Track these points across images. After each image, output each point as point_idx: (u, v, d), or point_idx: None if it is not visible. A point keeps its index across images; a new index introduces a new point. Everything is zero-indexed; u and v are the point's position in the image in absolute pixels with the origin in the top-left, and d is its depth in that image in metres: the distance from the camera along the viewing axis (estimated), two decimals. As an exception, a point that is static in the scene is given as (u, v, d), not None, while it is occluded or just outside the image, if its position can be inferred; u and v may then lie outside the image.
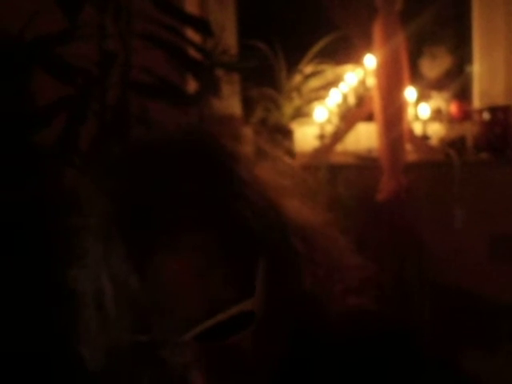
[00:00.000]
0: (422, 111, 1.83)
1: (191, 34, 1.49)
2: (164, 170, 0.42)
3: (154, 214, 0.40)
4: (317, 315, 0.48)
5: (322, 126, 1.86)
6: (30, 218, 1.16)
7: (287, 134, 1.80)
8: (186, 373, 0.41)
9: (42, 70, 1.22)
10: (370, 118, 1.80)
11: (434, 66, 1.94)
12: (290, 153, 1.75)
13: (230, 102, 1.68)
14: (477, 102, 1.91)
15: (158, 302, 0.40)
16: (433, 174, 1.74)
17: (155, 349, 0.40)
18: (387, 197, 1.63)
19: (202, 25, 1.36)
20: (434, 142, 1.86)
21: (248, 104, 1.86)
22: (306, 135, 1.90)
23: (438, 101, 1.92)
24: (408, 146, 1.72)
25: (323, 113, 1.87)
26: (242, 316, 0.41)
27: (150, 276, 0.39)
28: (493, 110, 1.79)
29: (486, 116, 1.79)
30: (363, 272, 0.51)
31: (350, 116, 1.89)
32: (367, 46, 1.78)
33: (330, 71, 1.99)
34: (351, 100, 1.94)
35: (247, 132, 0.49)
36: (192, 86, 1.51)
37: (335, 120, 1.92)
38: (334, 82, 1.97)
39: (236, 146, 0.45)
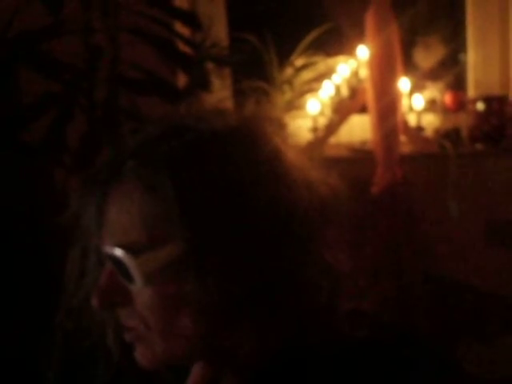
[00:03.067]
0: (416, 102, 1.81)
1: (180, 28, 1.47)
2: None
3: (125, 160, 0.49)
4: (314, 317, 0.46)
5: (314, 118, 1.84)
6: (21, 217, 1.14)
7: (281, 127, 1.78)
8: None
9: (27, 66, 1.19)
10: (363, 109, 1.78)
11: (427, 56, 1.92)
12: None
13: (220, 95, 1.65)
14: (471, 92, 1.90)
15: (99, 217, 0.49)
16: (428, 165, 1.73)
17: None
18: (382, 189, 1.62)
19: (191, 18, 1.33)
20: (428, 133, 1.85)
21: (239, 97, 1.84)
22: (299, 128, 1.88)
23: (432, 91, 1.91)
24: (402, 138, 1.71)
25: (316, 105, 1.85)
26: (126, 269, 0.46)
27: (102, 200, 0.49)
28: (488, 100, 1.78)
29: (481, 106, 1.78)
30: (360, 272, 0.50)
31: (343, 108, 1.87)
32: (359, 37, 1.76)
33: (322, 63, 1.97)
34: (344, 92, 1.92)
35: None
36: (182, 80, 1.49)
37: (328, 112, 1.90)
38: (326, 74, 1.95)
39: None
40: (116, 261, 0.46)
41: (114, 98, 1.21)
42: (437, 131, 1.84)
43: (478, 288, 1.65)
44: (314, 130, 1.83)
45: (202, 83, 1.24)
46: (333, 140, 1.84)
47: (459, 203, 1.66)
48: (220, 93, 1.59)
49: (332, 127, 1.83)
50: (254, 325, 0.45)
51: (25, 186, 1.19)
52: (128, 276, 0.46)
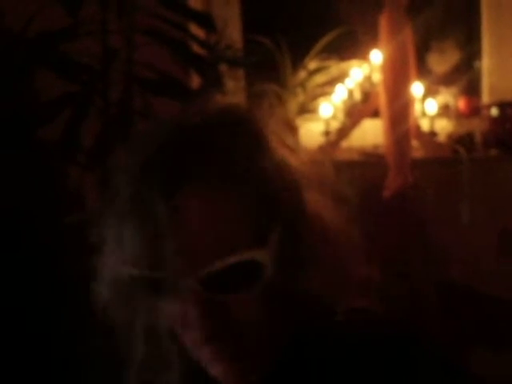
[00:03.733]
0: (429, 107, 1.80)
1: (195, 30, 1.48)
2: (200, 126, 0.45)
3: (186, 158, 0.43)
4: (319, 314, 0.47)
5: (327, 122, 1.84)
6: (34, 217, 1.15)
7: (292, 130, 1.78)
8: (185, 315, 0.42)
9: (45, 66, 1.21)
10: (375, 114, 1.78)
11: (442, 60, 1.91)
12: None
13: (234, 97, 1.66)
14: (486, 98, 1.89)
15: (176, 236, 0.41)
16: (440, 170, 1.72)
17: (163, 290, 0.42)
18: (393, 194, 1.61)
19: (206, 20, 1.34)
20: (441, 138, 1.84)
21: (252, 100, 1.84)
22: (311, 131, 1.89)
23: (445, 96, 1.90)
24: (415, 143, 1.70)
25: (329, 109, 1.85)
26: (250, 270, 0.41)
27: (172, 210, 0.41)
28: (502, 105, 1.76)
29: (495, 112, 1.77)
30: (369, 272, 0.50)
31: (356, 112, 1.87)
32: (373, 41, 1.76)
33: (335, 67, 1.97)
34: (357, 96, 1.92)
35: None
36: (195, 81, 1.50)
37: (341, 116, 1.90)
38: (339, 78, 1.95)
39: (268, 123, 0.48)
40: (224, 275, 0.41)
41: (128, 97, 1.22)
42: (450, 136, 1.83)
43: (490, 295, 1.63)
44: (327, 133, 1.83)
45: (215, 85, 1.25)
46: (345, 144, 1.84)
47: (472, 209, 1.65)
48: (233, 95, 1.60)
49: (344, 131, 1.83)
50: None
51: (40, 184, 1.21)
52: (247, 280, 0.42)
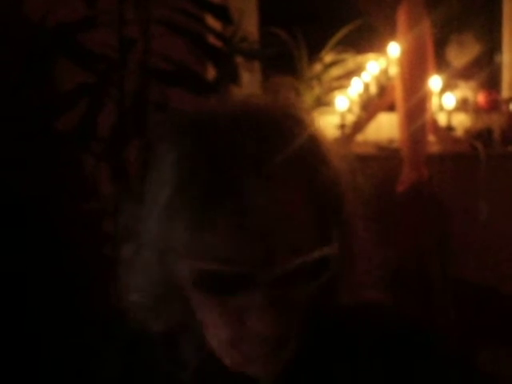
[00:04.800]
0: (447, 101, 1.78)
1: (211, 21, 1.47)
2: (263, 121, 0.44)
3: (258, 150, 0.41)
4: (332, 306, 0.47)
5: (342, 115, 1.83)
6: (49, 203, 1.17)
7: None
8: (241, 310, 0.41)
9: (63, 56, 1.22)
10: (391, 107, 1.76)
11: (461, 54, 1.88)
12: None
13: (250, 89, 1.66)
14: (505, 92, 1.86)
15: (250, 233, 0.40)
16: (457, 166, 1.70)
17: (233, 280, 0.40)
18: (408, 188, 1.60)
19: (222, 11, 1.34)
20: (459, 133, 1.81)
21: (268, 92, 1.83)
22: (327, 124, 1.88)
23: (464, 90, 1.87)
24: (432, 138, 1.68)
25: (344, 102, 1.84)
26: (318, 264, 0.42)
27: (242, 200, 0.40)
28: (522, 100, 1.73)
29: (514, 107, 1.74)
30: (384, 265, 0.50)
31: (372, 106, 1.85)
32: (391, 34, 1.74)
33: (351, 60, 1.95)
34: (373, 89, 1.90)
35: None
36: (211, 73, 1.50)
37: (356, 109, 1.89)
38: (355, 71, 1.93)
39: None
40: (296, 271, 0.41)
41: (144, 88, 1.23)
42: (468, 131, 1.81)
43: (507, 292, 1.61)
44: (342, 126, 1.82)
45: (231, 77, 1.25)
46: (360, 137, 1.83)
47: (489, 206, 1.63)
48: (249, 87, 1.60)
49: (360, 124, 1.82)
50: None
51: (56, 173, 1.22)
52: (316, 275, 0.42)
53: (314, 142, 0.45)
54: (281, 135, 0.43)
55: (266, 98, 0.47)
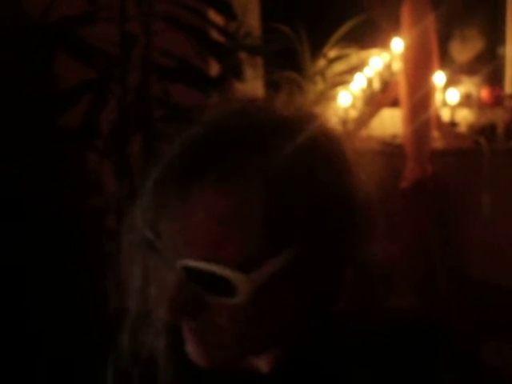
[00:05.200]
0: (451, 96, 1.77)
1: (214, 16, 1.47)
2: (249, 123, 0.44)
3: (220, 149, 0.42)
4: (337, 310, 0.46)
5: (346, 110, 1.82)
6: (52, 200, 1.17)
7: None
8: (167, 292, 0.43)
9: (64, 52, 1.21)
10: (395, 103, 1.75)
11: (464, 49, 1.87)
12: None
13: (252, 85, 1.65)
14: (509, 88, 1.84)
15: (178, 217, 0.42)
16: (461, 161, 1.69)
17: (158, 256, 0.43)
18: (411, 184, 1.59)
19: (225, 7, 1.33)
20: (462, 128, 1.80)
21: (271, 88, 1.83)
22: (330, 120, 1.87)
23: (468, 86, 1.86)
24: (435, 133, 1.67)
25: (347, 97, 1.83)
26: (228, 284, 0.41)
27: (184, 192, 0.41)
28: (526, 95, 1.72)
29: (518, 102, 1.73)
30: (389, 263, 0.49)
31: (375, 101, 1.84)
32: (395, 29, 1.73)
33: (354, 55, 1.94)
34: (376, 85, 1.89)
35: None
36: (214, 68, 1.49)
37: (359, 105, 1.88)
38: (358, 67, 1.92)
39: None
40: (206, 275, 0.41)
41: (146, 84, 1.22)
42: (471, 127, 1.80)
43: (509, 287, 1.61)
44: (345, 122, 1.81)
45: (234, 72, 1.24)
46: (363, 133, 1.82)
47: (493, 201, 1.62)
48: (252, 83, 1.59)
49: (363, 120, 1.81)
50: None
51: (59, 169, 1.22)
52: (224, 291, 0.41)
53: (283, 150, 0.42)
54: (247, 145, 0.42)
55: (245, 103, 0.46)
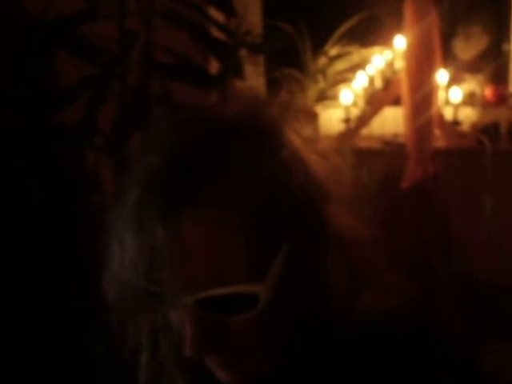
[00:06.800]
0: (454, 95, 1.76)
1: (214, 14, 1.45)
2: (215, 137, 0.43)
3: (193, 175, 0.41)
4: (334, 312, 0.46)
5: (347, 109, 1.81)
6: (51, 197, 1.16)
7: (312, 116, 1.76)
8: (181, 331, 0.42)
9: (63, 49, 1.21)
10: (396, 101, 1.74)
11: (468, 47, 1.86)
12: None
13: (253, 83, 1.64)
14: (512, 86, 1.83)
15: (173, 258, 0.40)
16: (463, 160, 1.68)
17: (160, 301, 0.42)
18: (413, 184, 1.58)
19: (226, 4, 1.32)
20: (465, 127, 1.79)
21: (272, 85, 1.82)
22: (331, 118, 1.86)
23: (471, 84, 1.85)
24: (437, 132, 1.66)
25: (349, 96, 1.82)
26: (247, 298, 0.41)
27: (172, 231, 0.40)
28: (529, 94, 1.71)
29: (522, 101, 1.71)
30: (387, 270, 0.49)
31: (377, 99, 1.83)
32: (397, 27, 1.71)
33: (356, 53, 1.93)
34: (378, 83, 1.88)
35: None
36: (215, 66, 1.48)
37: (361, 103, 1.87)
38: (360, 65, 1.91)
39: (288, 131, 0.44)
40: (220, 300, 0.40)
41: (146, 82, 1.21)
42: (474, 126, 1.79)
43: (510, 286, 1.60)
44: (346, 120, 1.80)
45: (235, 70, 1.23)
46: (365, 131, 1.81)
47: (495, 201, 1.61)
48: (253, 80, 1.58)
49: (364, 118, 1.80)
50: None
51: (58, 167, 1.21)
52: (243, 308, 0.41)
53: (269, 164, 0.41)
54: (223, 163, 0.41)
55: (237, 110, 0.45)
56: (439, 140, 1.70)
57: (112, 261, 0.43)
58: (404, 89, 1.60)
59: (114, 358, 0.50)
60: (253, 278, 0.40)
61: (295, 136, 0.44)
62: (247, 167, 0.41)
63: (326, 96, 1.92)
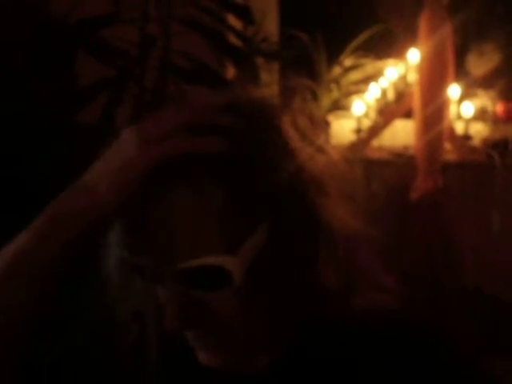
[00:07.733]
0: (466, 110, 1.77)
1: (232, 21, 1.48)
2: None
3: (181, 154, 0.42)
4: (333, 309, 0.47)
5: (359, 119, 1.82)
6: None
7: (324, 126, 1.78)
8: (163, 307, 0.43)
9: (85, 51, 1.24)
10: (408, 114, 1.76)
11: (481, 62, 1.87)
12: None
13: (268, 90, 1.66)
14: (524, 103, 1.84)
15: (150, 228, 0.42)
16: (473, 175, 1.68)
17: (143, 275, 0.43)
18: (421, 196, 1.59)
19: (244, 11, 1.35)
20: (476, 142, 1.80)
21: (286, 93, 1.84)
22: (343, 128, 1.87)
23: (483, 100, 1.85)
24: (448, 146, 1.67)
25: (361, 107, 1.84)
26: (222, 273, 0.41)
27: (150, 202, 0.42)
28: (540, 111, 1.72)
29: (533, 118, 1.72)
30: (390, 271, 0.49)
31: (388, 111, 1.85)
32: (411, 40, 1.73)
33: (370, 65, 1.95)
34: (390, 95, 1.90)
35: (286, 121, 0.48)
36: (231, 72, 1.51)
37: (373, 115, 1.88)
38: (373, 76, 1.93)
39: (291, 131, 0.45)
40: (198, 275, 0.41)
41: (162, 85, 1.24)
42: (485, 141, 1.79)
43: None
44: (358, 131, 1.82)
45: (250, 77, 1.26)
46: (375, 143, 1.82)
47: (503, 216, 1.61)
48: (267, 88, 1.60)
49: (375, 130, 1.81)
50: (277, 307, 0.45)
51: (75, 166, 1.24)
52: (218, 283, 0.42)
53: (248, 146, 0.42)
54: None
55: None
56: (449, 153, 1.71)
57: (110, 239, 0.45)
58: (416, 102, 1.62)
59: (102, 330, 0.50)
60: (225, 252, 0.41)
61: (291, 126, 0.45)
62: (228, 144, 0.42)
63: (339, 106, 1.93)
